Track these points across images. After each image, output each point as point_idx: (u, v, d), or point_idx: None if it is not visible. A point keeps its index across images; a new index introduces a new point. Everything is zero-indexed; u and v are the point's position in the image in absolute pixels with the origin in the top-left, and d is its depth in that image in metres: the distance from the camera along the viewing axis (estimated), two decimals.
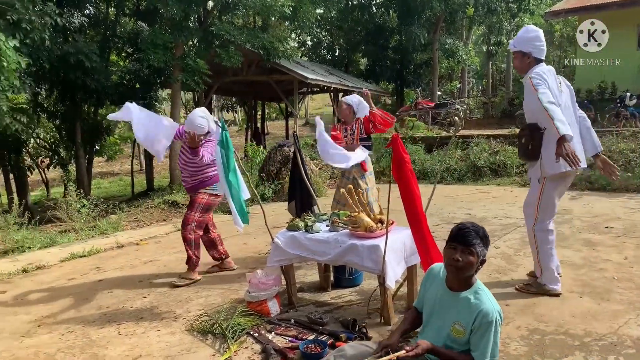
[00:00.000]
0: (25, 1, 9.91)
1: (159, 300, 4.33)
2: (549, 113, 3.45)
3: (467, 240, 2.29)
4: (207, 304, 4.13)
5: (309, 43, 29.55)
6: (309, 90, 22.89)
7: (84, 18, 14.59)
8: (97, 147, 18.08)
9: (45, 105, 15.76)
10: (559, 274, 3.95)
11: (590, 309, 3.61)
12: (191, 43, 15.09)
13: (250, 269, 4.89)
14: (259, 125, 26.68)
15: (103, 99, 15.23)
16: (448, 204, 8.24)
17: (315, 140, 5.35)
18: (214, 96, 26.37)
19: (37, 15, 10.19)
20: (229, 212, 3.97)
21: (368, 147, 4.94)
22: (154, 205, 9.99)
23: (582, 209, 7.27)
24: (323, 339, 3.20)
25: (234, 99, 31.76)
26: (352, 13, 25.77)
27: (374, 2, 25.94)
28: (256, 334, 3.40)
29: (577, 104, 4.13)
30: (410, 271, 3.75)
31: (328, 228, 3.90)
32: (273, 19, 16.53)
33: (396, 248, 3.53)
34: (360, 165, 4.90)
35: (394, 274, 3.43)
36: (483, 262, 2.37)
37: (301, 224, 3.93)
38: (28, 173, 17.78)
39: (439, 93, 25.26)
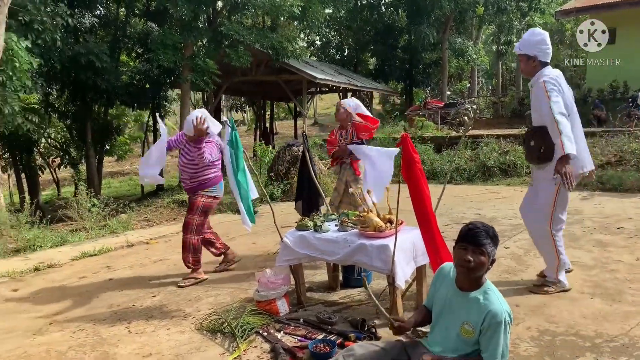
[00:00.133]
0: (37, 2, 10.02)
1: (169, 299, 4.36)
2: (558, 126, 3.48)
3: (478, 241, 2.28)
4: (216, 303, 4.14)
5: (318, 43, 29.56)
6: (318, 90, 22.92)
7: (94, 19, 14.71)
8: (107, 147, 18.23)
9: (57, 105, 15.91)
10: (569, 270, 3.94)
11: (602, 310, 3.58)
12: (200, 43, 15.16)
13: (259, 269, 4.90)
14: (267, 125, 26.74)
15: (113, 99, 15.34)
16: (457, 204, 8.20)
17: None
18: (223, 96, 26.45)
19: (48, 16, 10.30)
20: (238, 212, 3.98)
21: None
22: (163, 204, 10.04)
23: (594, 210, 7.21)
24: (332, 338, 3.20)
25: (242, 99, 31.87)
26: (361, 13, 25.75)
27: (383, 2, 25.90)
28: (265, 333, 3.40)
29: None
30: (420, 271, 3.74)
31: (337, 228, 3.90)
32: (282, 18, 16.57)
33: (405, 248, 3.52)
34: (353, 169, 4.98)
35: (404, 274, 3.42)
36: (493, 262, 2.36)
37: (310, 223, 3.93)
38: (39, 172, 17.98)
39: (448, 93, 25.17)
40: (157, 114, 14.01)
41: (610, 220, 6.48)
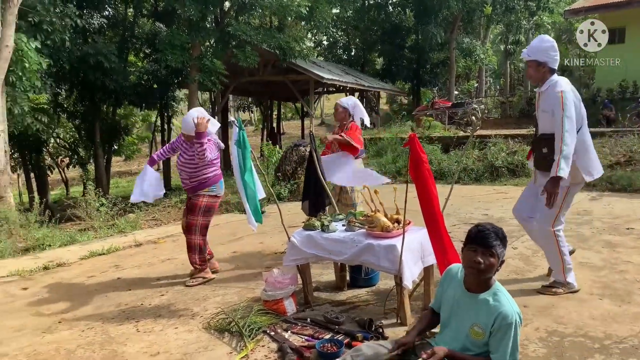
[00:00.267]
0: (47, 3, 10.10)
1: (177, 298, 4.38)
2: (562, 145, 3.56)
3: (488, 242, 2.27)
4: (224, 302, 4.16)
5: (325, 43, 29.57)
6: (325, 90, 22.92)
7: (103, 19, 14.81)
8: (115, 147, 18.34)
9: (65, 105, 16.03)
10: (572, 251, 4.05)
11: (611, 311, 3.55)
12: (208, 43, 15.21)
13: (266, 268, 4.91)
14: (274, 125, 26.78)
15: (121, 99, 15.44)
16: (465, 204, 8.17)
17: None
18: (231, 96, 26.52)
19: (57, 17, 10.38)
20: (244, 211, 3.99)
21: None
22: (171, 204, 10.08)
23: (603, 210, 7.16)
24: (339, 338, 3.20)
25: (250, 99, 31.94)
26: (368, 12, 25.72)
27: (390, 2, 25.85)
28: (272, 333, 3.41)
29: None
30: (427, 271, 3.73)
31: (344, 228, 3.90)
32: (289, 19, 16.59)
33: (413, 248, 3.51)
34: None
35: (411, 274, 3.41)
36: (502, 263, 2.35)
37: (317, 223, 3.93)
38: (48, 172, 18.12)
39: (456, 92, 25.08)
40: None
41: (620, 220, 6.43)
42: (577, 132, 3.70)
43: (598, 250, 5.11)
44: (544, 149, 3.83)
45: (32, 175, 17.62)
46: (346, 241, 3.65)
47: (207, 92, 21.32)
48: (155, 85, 16.04)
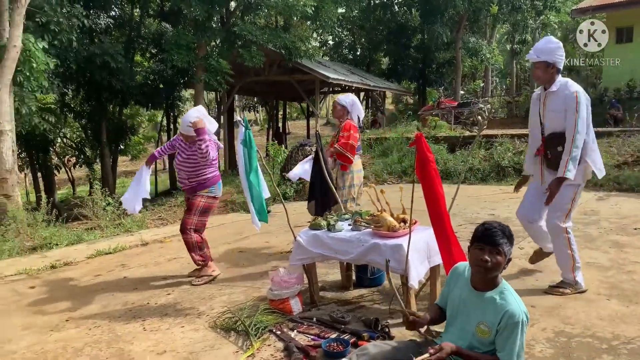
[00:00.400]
0: (54, 4, 10.15)
1: (183, 297, 4.39)
2: (572, 146, 3.68)
3: (495, 240, 2.27)
4: (230, 302, 4.16)
5: (331, 42, 29.56)
6: (331, 89, 22.92)
7: (109, 19, 14.88)
8: (121, 147, 18.43)
9: (72, 105, 16.12)
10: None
11: (619, 311, 3.53)
12: (214, 43, 15.25)
13: (272, 267, 4.92)
14: (280, 124, 26.80)
15: (128, 99, 15.51)
16: (471, 204, 8.14)
17: None
18: (236, 96, 26.57)
19: (64, 17, 10.43)
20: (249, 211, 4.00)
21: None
22: (177, 203, 10.10)
23: (610, 210, 7.12)
24: (345, 337, 3.20)
25: (255, 99, 32.00)
26: (374, 12, 25.68)
27: (396, 1, 25.80)
28: (279, 332, 3.41)
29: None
30: (434, 271, 3.73)
31: (350, 227, 3.90)
32: (295, 18, 16.59)
33: (419, 248, 3.50)
34: (339, 166, 5.24)
35: (417, 274, 3.41)
36: (509, 261, 2.34)
37: (323, 222, 3.93)
38: (55, 172, 18.24)
39: (462, 92, 24.98)
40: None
41: (627, 221, 6.39)
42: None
43: (605, 251, 5.08)
44: (558, 147, 3.85)
45: (39, 174, 17.74)
46: (352, 241, 3.65)
47: (213, 92, 21.37)
48: (161, 85, 16.11)
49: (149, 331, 3.65)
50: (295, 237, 3.94)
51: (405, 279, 3.37)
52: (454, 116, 16.20)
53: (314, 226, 3.95)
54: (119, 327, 3.75)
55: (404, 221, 3.69)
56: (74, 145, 18.95)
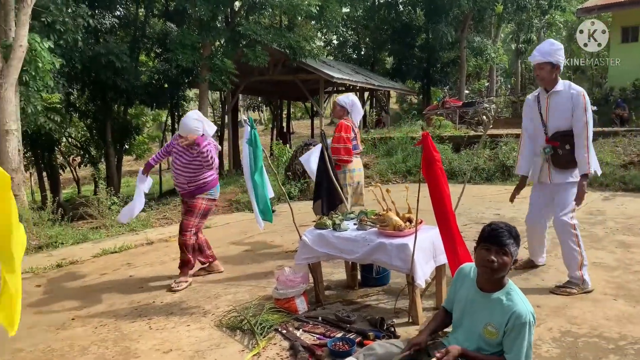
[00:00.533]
0: (59, 3, 10.18)
1: (188, 296, 4.40)
2: (588, 142, 3.79)
3: (501, 241, 2.26)
4: (235, 301, 4.17)
5: (335, 42, 29.54)
6: (335, 89, 22.88)
7: (114, 19, 14.93)
8: (126, 146, 18.49)
9: (77, 104, 16.18)
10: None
11: (625, 311, 3.52)
12: (218, 43, 15.28)
13: (278, 267, 4.92)
14: (284, 124, 26.81)
15: (133, 99, 15.56)
16: (476, 204, 8.12)
17: None
18: (241, 95, 26.60)
19: (70, 17, 10.47)
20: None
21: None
22: (181, 203, 10.13)
23: (616, 210, 7.09)
24: (351, 336, 3.19)
25: (260, 99, 32.01)
26: (378, 12, 25.65)
27: (400, 1, 25.76)
28: (284, 331, 3.41)
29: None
30: (439, 270, 3.72)
31: (356, 226, 3.90)
32: (299, 18, 16.58)
33: (425, 247, 3.50)
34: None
35: (423, 273, 3.40)
36: (515, 261, 2.34)
37: (329, 222, 3.93)
38: (60, 171, 18.30)
39: (466, 92, 24.95)
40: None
41: (634, 220, 6.36)
42: None
43: (612, 251, 5.06)
44: (566, 145, 3.92)
45: (44, 174, 17.81)
46: (358, 240, 3.65)
47: (218, 92, 21.41)
48: (166, 85, 16.15)
49: (154, 330, 3.66)
50: (300, 237, 3.94)
51: (411, 278, 3.37)
52: (458, 116, 16.15)
53: (320, 225, 3.95)
54: (125, 326, 3.77)
55: (410, 220, 3.68)
56: (79, 145, 19.02)
